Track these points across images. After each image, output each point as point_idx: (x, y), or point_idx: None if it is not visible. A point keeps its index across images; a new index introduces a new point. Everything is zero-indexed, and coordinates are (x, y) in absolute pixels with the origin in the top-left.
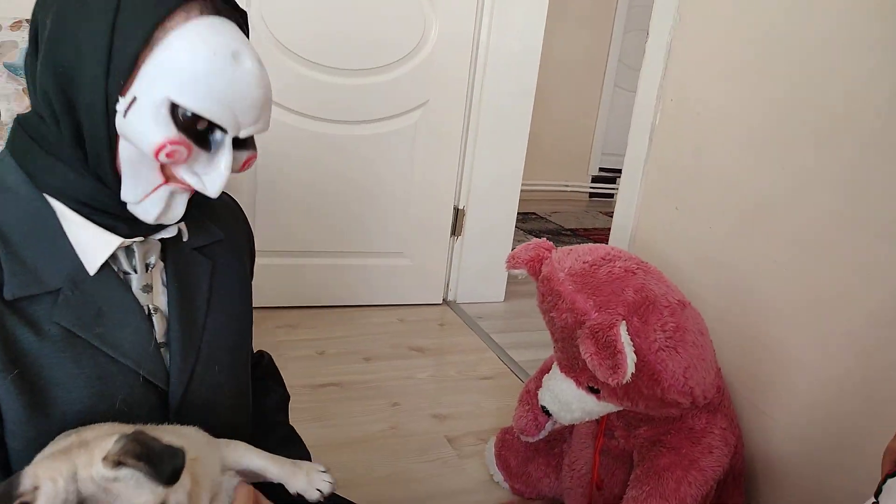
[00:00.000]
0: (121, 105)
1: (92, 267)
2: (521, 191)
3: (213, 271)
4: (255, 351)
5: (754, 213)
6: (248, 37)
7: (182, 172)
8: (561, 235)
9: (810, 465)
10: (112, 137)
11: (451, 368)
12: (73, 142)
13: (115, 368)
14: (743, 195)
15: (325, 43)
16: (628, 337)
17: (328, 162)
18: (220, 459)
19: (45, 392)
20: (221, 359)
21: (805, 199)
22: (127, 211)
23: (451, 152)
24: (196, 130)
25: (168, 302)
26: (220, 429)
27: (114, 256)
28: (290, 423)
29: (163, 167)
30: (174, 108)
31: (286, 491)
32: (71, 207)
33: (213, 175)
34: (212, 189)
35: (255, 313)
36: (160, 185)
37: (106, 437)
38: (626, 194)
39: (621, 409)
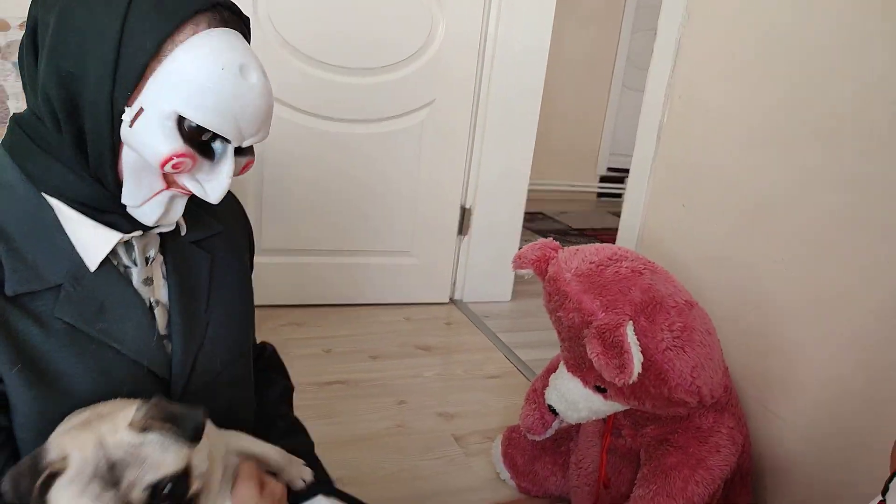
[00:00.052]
0: (127, 115)
1: (92, 263)
2: (529, 190)
3: (212, 265)
4: (258, 342)
5: (761, 211)
6: (249, 42)
7: (184, 180)
8: (568, 235)
9: (818, 463)
10: (115, 144)
11: (457, 367)
12: (74, 145)
13: (119, 361)
14: (749, 194)
15: (332, 42)
16: (635, 337)
17: (335, 161)
18: (224, 444)
19: (54, 384)
20: (223, 351)
21: (811, 197)
22: (125, 210)
23: (458, 151)
24: (200, 141)
25: (169, 295)
26: (222, 420)
27: (113, 251)
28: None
29: (165, 174)
30: (181, 120)
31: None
32: (69, 205)
33: (214, 183)
34: (213, 196)
35: (261, 311)
36: (161, 191)
37: (125, 408)
38: (634, 193)
39: (628, 408)
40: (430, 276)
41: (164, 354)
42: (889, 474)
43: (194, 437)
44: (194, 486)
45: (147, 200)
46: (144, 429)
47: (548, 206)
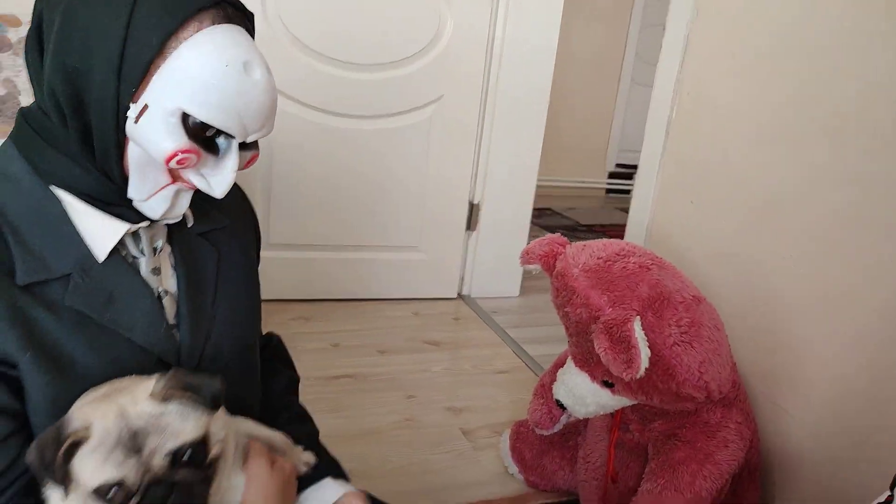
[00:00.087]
0: (132, 111)
1: (101, 254)
2: (538, 186)
3: (219, 257)
4: (263, 333)
5: (769, 208)
6: (253, 38)
7: (189, 174)
8: (577, 231)
9: (826, 459)
10: (121, 140)
11: (465, 362)
12: (80, 140)
13: (129, 349)
14: (758, 190)
15: (340, 38)
16: (642, 332)
17: (344, 156)
18: (234, 427)
19: (67, 370)
20: (230, 342)
21: (818, 195)
22: (132, 203)
23: (466, 147)
24: (204, 137)
25: (177, 284)
26: (228, 409)
27: (121, 242)
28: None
29: (170, 169)
30: (185, 116)
31: None
32: (77, 197)
33: (219, 177)
34: (218, 190)
35: (269, 305)
36: (167, 185)
37: (143, 381)
38: (643, 189)
39: (636, 403)
40: (438, 272)
41: (173, 343)
42: None
43: (213, 405)
44: (213, 452)
45: (153, 195)
46: (165, 399)
47: (556, 203)
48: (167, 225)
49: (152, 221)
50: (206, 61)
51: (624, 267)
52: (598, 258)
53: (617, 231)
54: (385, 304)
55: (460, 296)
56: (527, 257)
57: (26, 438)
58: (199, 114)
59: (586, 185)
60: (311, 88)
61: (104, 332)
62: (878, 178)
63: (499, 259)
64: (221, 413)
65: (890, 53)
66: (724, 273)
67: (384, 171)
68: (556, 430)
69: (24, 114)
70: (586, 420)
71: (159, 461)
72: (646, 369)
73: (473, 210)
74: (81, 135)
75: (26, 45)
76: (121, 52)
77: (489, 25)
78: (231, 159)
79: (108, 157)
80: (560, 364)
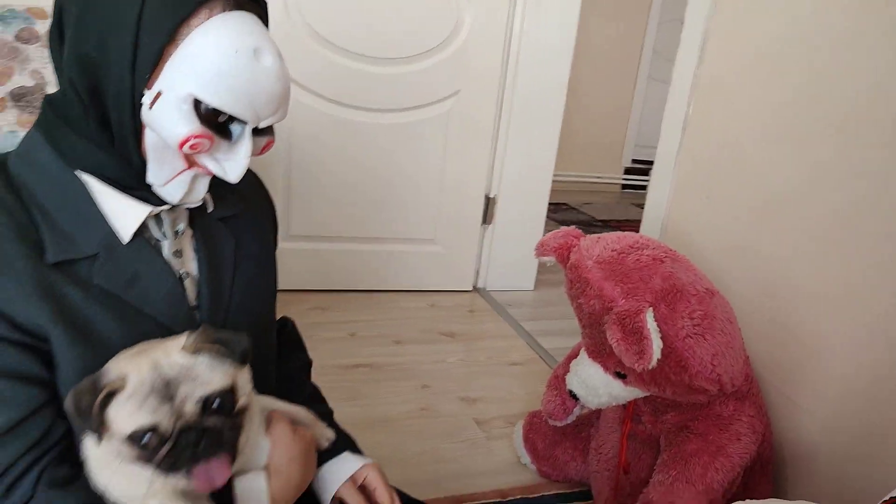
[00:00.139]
0: (146, 98)
1: (125, 235)
2: (554, 181)
3: (237, 242)
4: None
5: (783, 203)
6: (267, 27)
7: (204, 159)
8: (592, 227)
9: (839, 453)
10: (138, 126)
11: (480, 354)
12: (99, 126)
13: (154, 327)
14: (772, 185)
15: (358, 32)
16: (655, 323)
17: (362, 150)
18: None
19: (97, 344)
20: (246, 324)
21: (829, 190)
22: (152, 188)
23: (483, 142)
24: (217, 122)
25: (198, 267)
26: None
27: (144, 224)
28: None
29: (185, 154)
30: (197, 102)
31: None
32: (101, 180)
33: (233, 162)
34: (232, 175)
35: (287, 295)
36: (184, 170)
37: (174, 338)
38: (659, 184)
39: (648, 394)
40: (453, 265)
41: (194, 324)
42: None
43: (241, 359)
44: (240, 402)
45: (170, 180)
46: (196, 351)
47: (572, 198)
48: (188, 209)
49: (173, 206)
50: (217, 48)
51: (637, 259)
52: (612, 250)
53: (632, 226)
54: (401, 295)
55: (475, 288)
56: (541, 249)
57: (58, 409)
58: (211, 100)
59: (602, 180)
60: (330, 81)
61: (130, 309)
62: (892, 172)
63: (514, 253)
64: (248, 369)
65: (889, 53)
66: (738, 267)
67: (401, 165)
68: (569, 422)
69: (48, 101)
70: (599, 411)
71: (191, 407)
72: (658, 361)
73: (489, 204)
74: (100, 122)
75: (49, 35)
76: (134, 39)
77: (507, 21)
78: (244, 145)
79: (126, 143)
80: (574, 356)
